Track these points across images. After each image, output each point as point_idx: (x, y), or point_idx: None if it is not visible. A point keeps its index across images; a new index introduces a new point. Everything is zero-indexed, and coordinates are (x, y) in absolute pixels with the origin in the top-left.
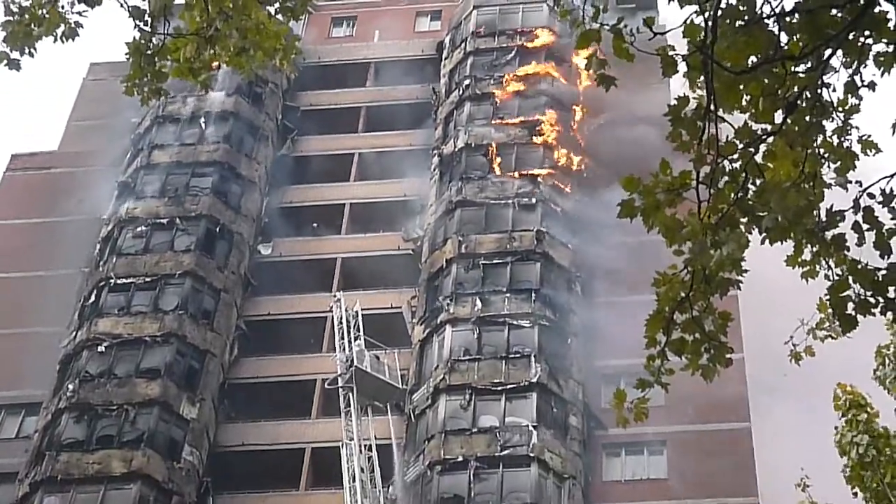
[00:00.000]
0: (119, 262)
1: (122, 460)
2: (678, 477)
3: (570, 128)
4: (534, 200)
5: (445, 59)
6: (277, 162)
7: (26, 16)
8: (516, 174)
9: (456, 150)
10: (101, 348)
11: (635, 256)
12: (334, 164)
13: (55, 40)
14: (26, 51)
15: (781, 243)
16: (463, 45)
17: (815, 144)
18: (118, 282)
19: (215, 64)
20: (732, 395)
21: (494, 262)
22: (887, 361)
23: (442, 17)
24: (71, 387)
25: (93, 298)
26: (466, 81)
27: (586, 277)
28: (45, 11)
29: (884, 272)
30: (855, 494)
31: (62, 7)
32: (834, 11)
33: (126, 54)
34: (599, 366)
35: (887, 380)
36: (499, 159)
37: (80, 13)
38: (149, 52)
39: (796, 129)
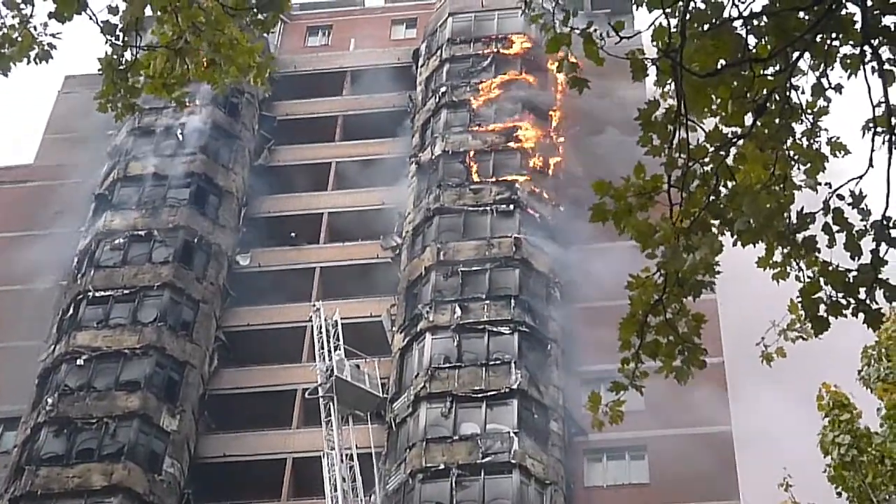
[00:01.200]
0: (97, 274)
1: (102, 474)
2: (660, 481)
3: (548, 133)
4: (511, 207)
5: (421, 66)
6: (255, 172)
7: None
8: (494, 181)
9: (433, 157)
10: (80, 361)
11: (614, 261)
12: (312, 174)
13: (28, 62)
14: None
15: (754, 246)
16: (439, 52)
17: (784, 147)
18: (96, 294)
19: (190, 80)
20: (713, 398)
21: (473, 269)
22: (872, 362)
23: (417, 25)
24: (50, 401)
25: (71, 311)
26: (443, 89)
27: (565, 283)
28: (17, 35)
29: (854, 273)
30: (839, 494)
31: (34, 28)
32: (801, 14)
33: (98, 70)
34: (580, 371)
35: (871, 380)
36: (476, 166)
37: (53, 35)
38: (121, 67)
39: (766, 131)
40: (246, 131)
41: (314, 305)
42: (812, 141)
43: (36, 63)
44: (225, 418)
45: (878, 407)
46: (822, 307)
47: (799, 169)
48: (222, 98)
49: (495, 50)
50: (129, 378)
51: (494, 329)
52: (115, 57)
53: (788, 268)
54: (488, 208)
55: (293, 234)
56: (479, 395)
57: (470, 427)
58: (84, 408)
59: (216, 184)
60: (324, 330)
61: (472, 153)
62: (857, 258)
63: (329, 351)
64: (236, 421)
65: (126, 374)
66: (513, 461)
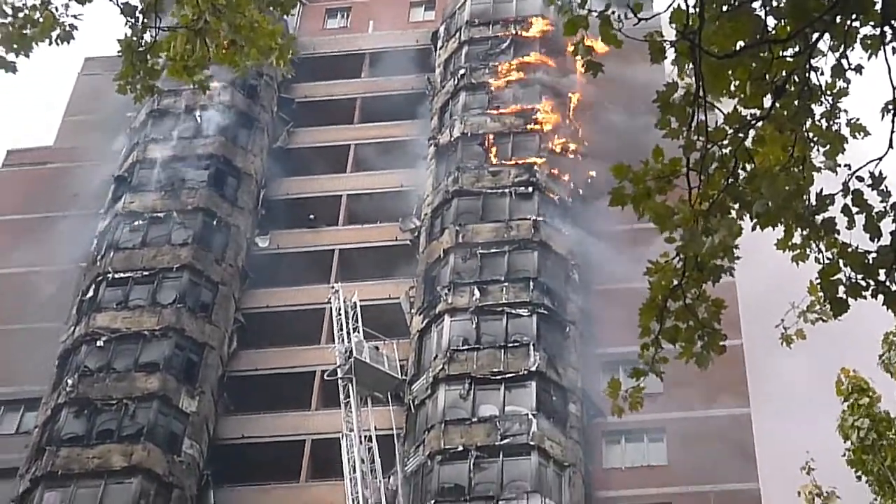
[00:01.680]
0: (116, 256)
1: (122, 454)
2: (678, 463)
3: (567, 116)
4: (530, 189)
5: (440, 48)
6: (273, 154)
7: (20, 16)
8: (513, 163)
9: (452, 139)
10: (99, 343)
11: (632, 244)
12: (330, 156)
13: (50, 43)
14: (21, 53)
15: (773, 229)
16: (457, 34)
17: (804, 129)
18: (116, 276)
19: (210, 62)
20: (731, 380)
21: (492, 251)
22: (893, 347)
23: (436, 7)
24: (70, 382)
25: (91, 293)
26: (461, 71)
27: (584, 265)
28: (38, 15)
29: (874, 255)
30: (858, 478)
31: (55, 9)
32: None
33: (118, 51)
34: (598, 353)
35: (892, 365)
36: (495, 148)
37: (74, 16)
38: (140, 49)
39: (785, 113)
40: (265, 114)
41: (333, 287)
42: (831, 123)
43: (57, 44)
44: (244, 400)
45: None
46: (842, 289)
47: (818, 151)
48: (241, 80)
49: (514, 32)
50: (148, 359)
51: (513, 311)
52: (134, 38)
53: (808, 250)
54: (507, 191)
55: (312, 217)
56: (498, 377)
57: (488, 409)
58: (104, 389)
59: (235, 166)
60: (342, 312)
61: (490, 136)
62: (876, 240)
63: (348, 333)
64: (255, 402)
65: (145, 355)
66: (531, 443)
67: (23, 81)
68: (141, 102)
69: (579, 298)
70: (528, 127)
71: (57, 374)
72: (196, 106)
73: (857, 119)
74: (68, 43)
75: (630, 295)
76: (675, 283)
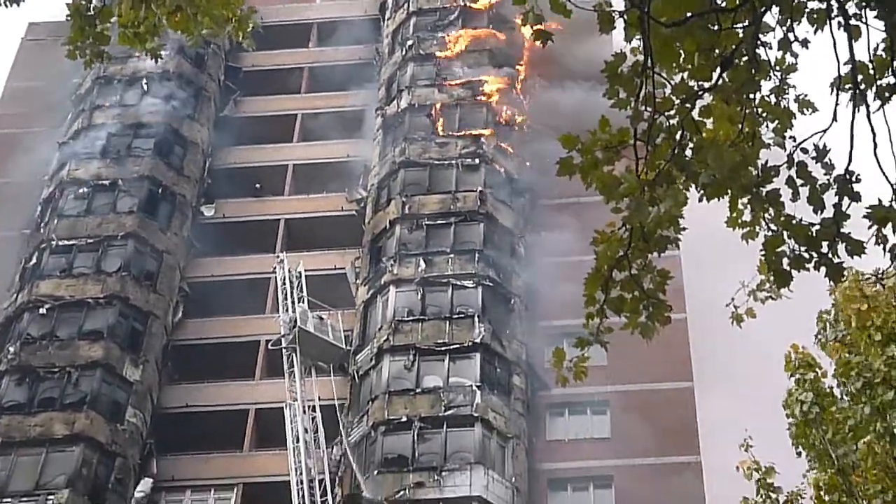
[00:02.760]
0: (61, 223)
1: (64, 423)
2: (621, 436)
3: (514, 88)
4: (477, 161)
5: (388, 19)
6: (220, 123)
7: None
8: (460, 135)
9: (399, 110)
10: (42, 311)
11: (579, 216)
12: (277, 126)
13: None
14: None
15: (718, 200)
16: (406, 4)
17: (753, 104)
18: (60, 244)
19: (162, 30)
20: (675, 355)
21: (438, 222)
22: (828, 326)
23: None
24: (12, 349)
25: (34, 260)
26: (409, 42)
27: (529, 238)
28: None
29: (817, 227)
30: (798, 454)
31: None
32: None
33: (67, 16)
34: (543, 326)
35: (827, 342)
36: (442, 120)
37: None
38: (89, 13)
39: (733, 86)
40: (212, 82)
41: (278, 257)
42: (780, 98)
43: (6, 6)
44: (188, 369)
45: (834, 370)
46: (785, 261)
47: (767, 127)
48: (189, 49)
49: (462, 3)
50: (92, 328)
51: (458, 283)
52: (83, 2)
53: (757, 227)
54: (453, 162)
55: (258, 186)
56: (443, 349)
57: (432, 380)
58: (46, 357)
59: (181, 134)
60: (288, 281)
61: (437, 107)
62: (820, 212)
63: (293, 302)
64: (199, 371)
65: (89, 323)
66: (475, 414)
67: None
68: (90, 68)
69: (524, 271)
70: (476, 99)
71: None
72: (143, 74)
73: (805, 95)
74: (18, 5)
75: (576, 269)
76: (621, 253)
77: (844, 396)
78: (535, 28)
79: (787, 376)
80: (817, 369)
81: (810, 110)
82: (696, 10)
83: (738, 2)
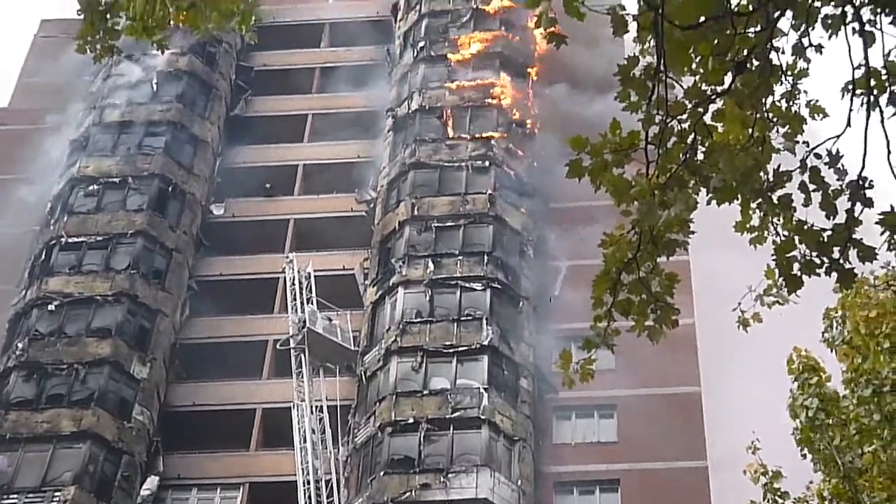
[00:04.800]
0: (70, 220)
1: (71, 419)
2: (628, 440)
3: (525, 91)
4: (487, 163)
5: (400, 20)
6: (230, 122)
7: None
8: (470, 137)
9: (410, 112)
10: (51, 307)
11: (589, 219)
12: (288, 125)
13: None
14: None
15: (729, 204)
16: (418, 6)
17: (764, 108)
18: (69, 240)
19: (171, 23)
20: (682, 359)
21: (447, 224)
22: (835, 324)
23: None
24: (20, 345)
25: (43, 257)
26: (421, 43)
27: (538, 240)
28: None
29: (829, 233)
30: (804, 457)
31: None
32: None
33: (78, 10)
34: (551, 329)
35: (834, 342)
36: (452, 122)
37: None
38: (101, 8)
39: (745, 90)
40: (223, 81)
41: (287, 257)
42: (791, 103)
43: None
44: (196, 367)
45: (842, 370)
46: (796, 266)
47: (778, 132)
48: (200, 46)
49: (474, 6)
50: (100, 325)
51: (467, 285)
52: None
53: (766, 232)
54: (464, 164)
55: (268, 185)
56: (450, 351)
57: (440, 382)
58: (54, 353)
59: (192, 132)
60: (297, 282)
61: (448, 109)
62: (832, 218)
63: (301, 303)
64: (207, 370)
65: (97, 320)
66: (482, 416)
67: None
68: (101, 62)
69: (533, 273)
70: (487, 101)
71: (7, 337)
72: (154, 71)
73: (817, 100)
74: None
75: (585, 272)
76: (630, 256)
77: (853, 401)
78: (547, 31)
79: (791, 380)
80: (821, 373)
81: (821, 115)
82: (710, 14)
83: (752, 7)
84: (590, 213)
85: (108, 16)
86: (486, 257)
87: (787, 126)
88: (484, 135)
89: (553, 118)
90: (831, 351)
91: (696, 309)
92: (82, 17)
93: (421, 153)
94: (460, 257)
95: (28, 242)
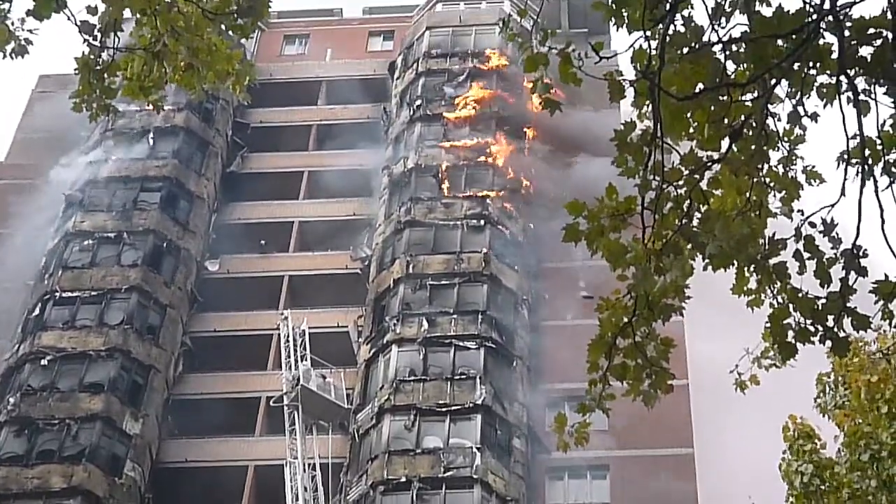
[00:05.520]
0: (65, 275)
1: (62, 475)
2: (620, 501)
3: (521, 151)
4: (482, 222)
5: (397, 79)
6: (226, 178)
7: None
8: (465, 196)
9: (406, 170)
10: (44, 362)
11: (583, 280)
12: (284, 182)
13: (4, 57)
14: None
15: (724, 270)
16: (415, 65)
17: (760, 174)
18: (63, 295)
19: (167, 83)
20: (676, 420)
21: (442, 283)
22: (827, 389)
23: (395, 38)
24: (12, 400)
25: (37, 311)
26: (417, 102)
27: (533, 301)
28: None
29: (823, 301)
30: None
31: (12, 23)
32: (780, 42)
33: (75, 69)
34: (544, 389)
35: (828, 407)
36: (448, 180)
37: (30, 31)
38: (98, 67)
39: (741, 157)
40: (219, 137)
41: (282, 314)
42: (788, 169)
43: (12, 58)
44: (188, 424)
45: (835, 435)
46: (791, 333)
47: (774, 196)
48: (196, 103)
49: (471, 65)
50: (93, 380)
51: (461, 343)
52: (92, 57)
53: (763, 295)
54: (459, 223)
55: (263, 242)
56: (444, 410)
57: (433, 441)
58: (46, 408)
59: (187, 189)
60: (291, 339)
61: (444, 167)
62: (826, 286)
63: (295, 360)
64: (199, 427)
65: (90, 375)
66: (474, 476)
67: None
68: (96, 121)
69: (527, 333)
70: (482, 160)
71: None
72: (150, 127)
73: (813, 166)
74: (23, 57)
75: (579, 332)
76: (626, 320)
77: (845, 467)
78: (543, 97)
79: (786, 447)
80: (816, 440)
81: (818, 181)
82: (706, 83)
83: (748, 76)
84: (584, 273)
85: (105, 75)
86: (480, 316)
87: (784, 191)
88: (479, 194)
89: (549, 178)
90: (824, 416)
91: (690, 370)
92: (78, 76)
93: (416, 211)
94: (454, 316)
95: (22, 297)
